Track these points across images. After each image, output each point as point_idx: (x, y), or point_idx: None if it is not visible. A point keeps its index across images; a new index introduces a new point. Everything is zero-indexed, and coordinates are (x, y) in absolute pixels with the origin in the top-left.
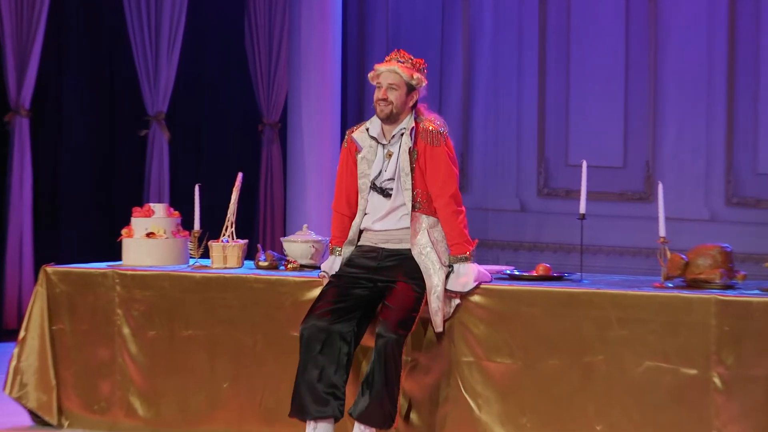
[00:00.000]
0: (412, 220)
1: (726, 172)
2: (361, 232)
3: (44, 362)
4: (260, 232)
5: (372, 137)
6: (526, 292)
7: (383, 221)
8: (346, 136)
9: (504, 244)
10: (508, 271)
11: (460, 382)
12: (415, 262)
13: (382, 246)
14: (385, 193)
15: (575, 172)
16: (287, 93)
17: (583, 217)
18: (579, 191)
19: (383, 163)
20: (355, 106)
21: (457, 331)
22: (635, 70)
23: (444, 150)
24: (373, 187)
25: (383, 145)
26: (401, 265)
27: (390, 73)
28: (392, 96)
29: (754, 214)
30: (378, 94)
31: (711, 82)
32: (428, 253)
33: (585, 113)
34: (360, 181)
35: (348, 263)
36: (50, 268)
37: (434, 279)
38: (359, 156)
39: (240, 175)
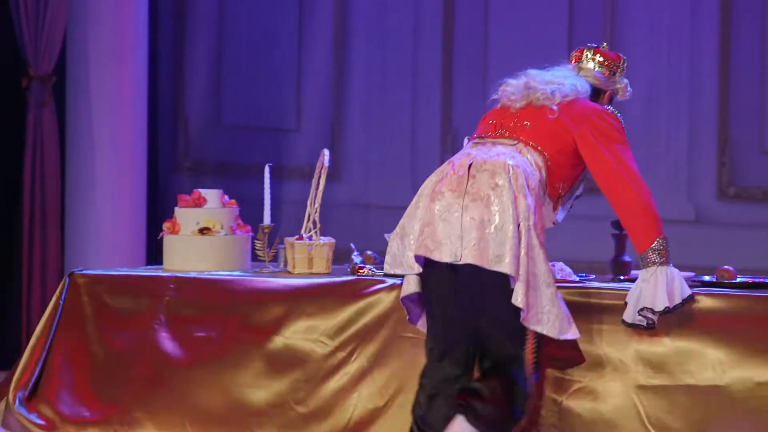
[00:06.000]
0: None
1: None
2: None
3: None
4: (25, 241)
5: None
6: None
7: None
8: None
9: None
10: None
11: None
12: None
13: None
14: None
15: None
16: (66, 28)
17: None
18: None
19: None
20: (169, 44)
21: (633, 347)
22: None
23: None
24: None
25: None
26: None
27: None
28: None
29: None
30: None
31: None
32: None
33: None
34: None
35: None
36: (79, 275)
37: None
38: None
39: (326, 153)
